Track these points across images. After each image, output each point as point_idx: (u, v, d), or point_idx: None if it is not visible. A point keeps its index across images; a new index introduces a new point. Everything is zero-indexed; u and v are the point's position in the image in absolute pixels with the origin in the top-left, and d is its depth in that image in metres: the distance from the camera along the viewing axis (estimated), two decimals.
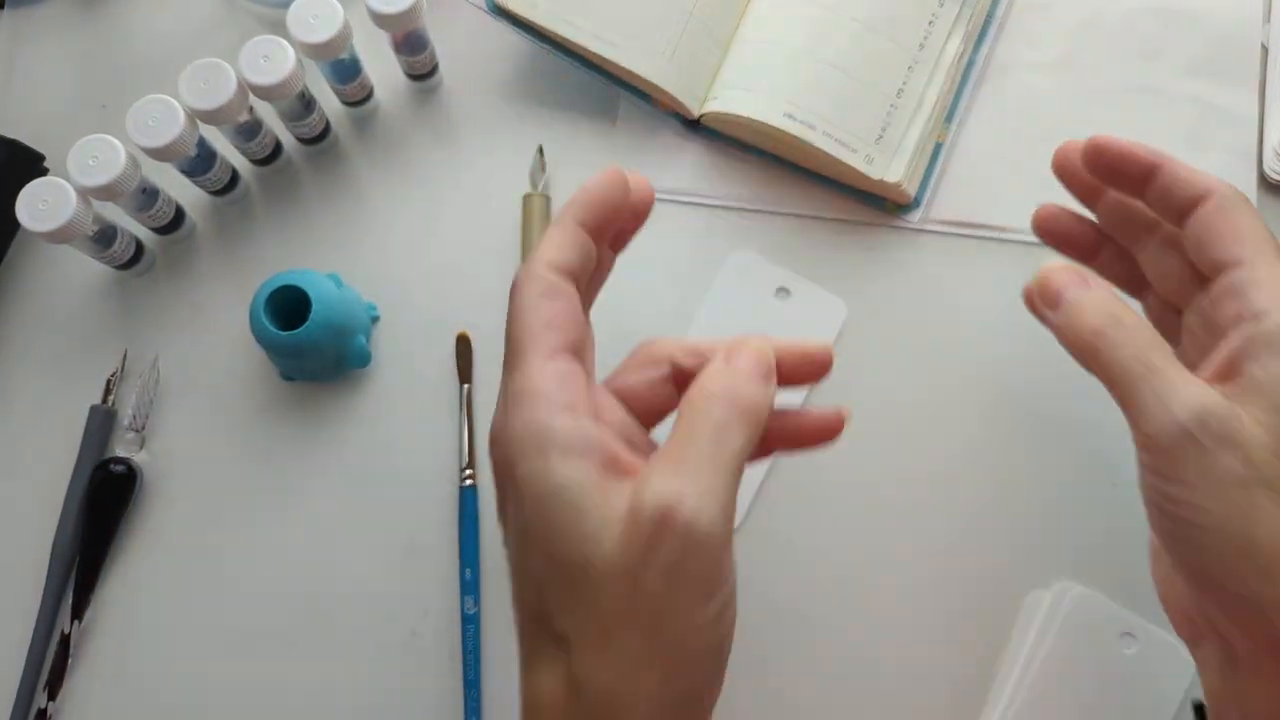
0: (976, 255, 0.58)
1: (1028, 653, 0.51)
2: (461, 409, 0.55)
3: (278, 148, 0.58)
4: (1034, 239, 0.55)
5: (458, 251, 0.58)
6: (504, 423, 0.35)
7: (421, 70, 0.59)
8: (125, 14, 0.63)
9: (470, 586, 0.53)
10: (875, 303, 0.57)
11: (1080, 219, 0.48)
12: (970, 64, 0.60)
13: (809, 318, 0.57)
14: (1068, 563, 0.53)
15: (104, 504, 0.54)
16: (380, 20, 0.53)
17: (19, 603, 0.53)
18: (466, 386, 0.56)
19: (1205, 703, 0.41)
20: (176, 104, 0.51)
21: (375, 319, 0.57)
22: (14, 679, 0.52)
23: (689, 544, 0.32)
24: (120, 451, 0.55)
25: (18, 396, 0.57)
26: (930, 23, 0.58)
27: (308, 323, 0.50)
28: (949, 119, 0.59)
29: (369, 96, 0.59)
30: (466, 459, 0.54)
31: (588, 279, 0.39)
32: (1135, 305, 0.47)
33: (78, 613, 0.53)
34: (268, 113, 0.57)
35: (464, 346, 0.56)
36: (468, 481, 0.54)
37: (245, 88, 0.52)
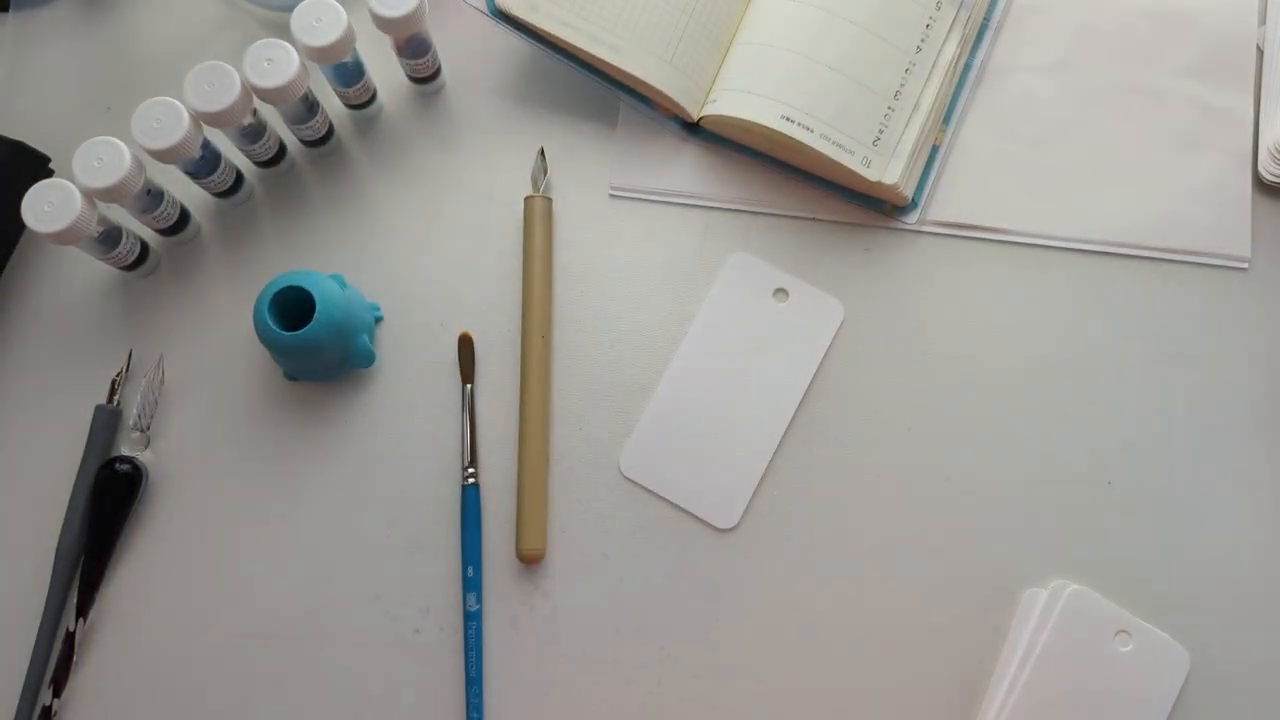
0: (974, 256, 0.58)
1: (1024, 649, 0.52)
2: (464, 408, 0.56)
3: (281, 150, 0.59)
4: (1031, 240, 0.56)
5: (460, 253, 0.59)
6: None
7: (424, 73, 0.59)
8: (130, 17, 0.63)
9: (472, 584, 0.53)
10: (873, 304, 0.58)
11: None
12: (968, 66, 0.60)
13: (807, 319, 0.57)
14: (1064, 560, 0.54)
15: (109, 503, 0.54)
16: (383, 24, 0.53)
17: (24, 601, 0.54)
18: (469, 386, 0.56)
19: None
20: (181, 106, 0.51)
21: (378, 319, 0.58)
22: (19, 676, 0.52)
23: None
24: (125, 451, 0.55)
25: (24, 396, 0.57)
26: (928, 25, 0.58)
27: (311, 323, 0.51)
28: (946, 121, 0.60)
29: (372, 99, 0.60)
30: (468, 458, 0.55)
31: None
32: None
33: (83, 611, 0.53)
34: (272, 115, 0.57)
35: (466, 346, 0.57)
36: (469, 480, 0.54)
37: (249, 90, 0.52)
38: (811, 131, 0.56)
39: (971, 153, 0.60)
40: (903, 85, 0.58)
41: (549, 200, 0.58)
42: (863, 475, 0.55)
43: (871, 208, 0.59)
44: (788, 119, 0.55)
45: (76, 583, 0.54)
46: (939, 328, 0.57)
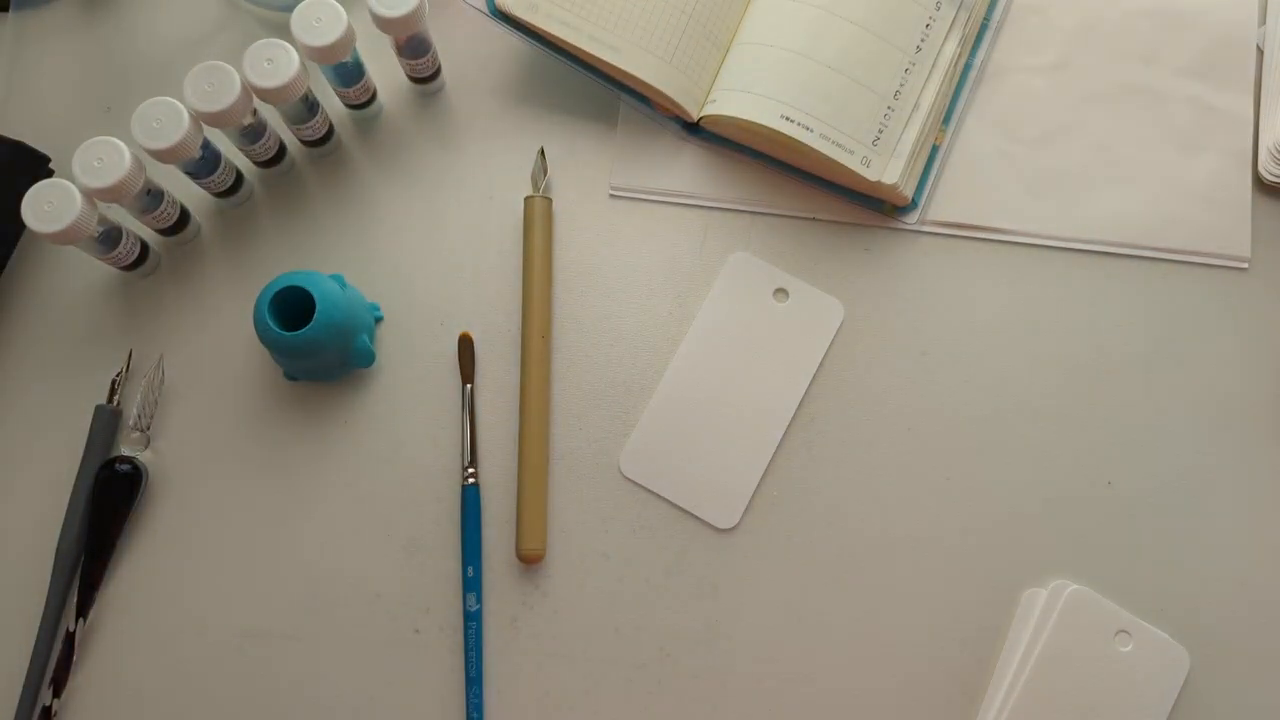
0: (973, 256, 0.58)
1: (1024, 649, 0.52)
2: (464, 408, 0.56)
3: (281, 150, 0.59)
4: (1031, 240, 0.56)
5: (460, 253, 0.59)
6: None
7: (424, 73, 0.59)
8: (130, 17, 0.63)
9: (472, 584, 0.53)
10: (872, 304, 0.58)
11: None
12: (968, 66, 0.60)
13: (807, 319, 0.57)
14: (1064, 560, 0.54)
15: (109, 503, 0.54)
16: (383, 24, 0.53)
17: (24, 600, 0.54)
18: (469, 386, 0.56)
19: None
20: (181, 106, 0.51)
21: (378, 319, 0.58)
22: (19, 676, 0.52)
23: None
24: (125, 450, 0.56)
25: (23, 396, 0.57)
26: (927, 25, 0.58)
27: (312, 323, 0.51)
28: (946, 121, 0.60)
29: (372, 99, 0.60)
30: (468, 457, 0.55)
31: None
32: None
33: (83, 611, 0.53)
34: (272, 115, 0.57)
35: (466, 346, 0.57)
36: (470, 480, 0.54)
37: (249, 90, 0.52)
38: (811, 131, 0.56)
39: (971, 153, 0.60)
40: (902, 85, 0.58)
41: (549, 200, 0.58)
42: (863, 475, 0.55)
43: (871, 207, 0.59)
44: (787, 119, 0.55)
45: (76, 583, 0.54)
46: (939, 328, 0.57)
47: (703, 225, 0.59)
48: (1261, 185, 0.59)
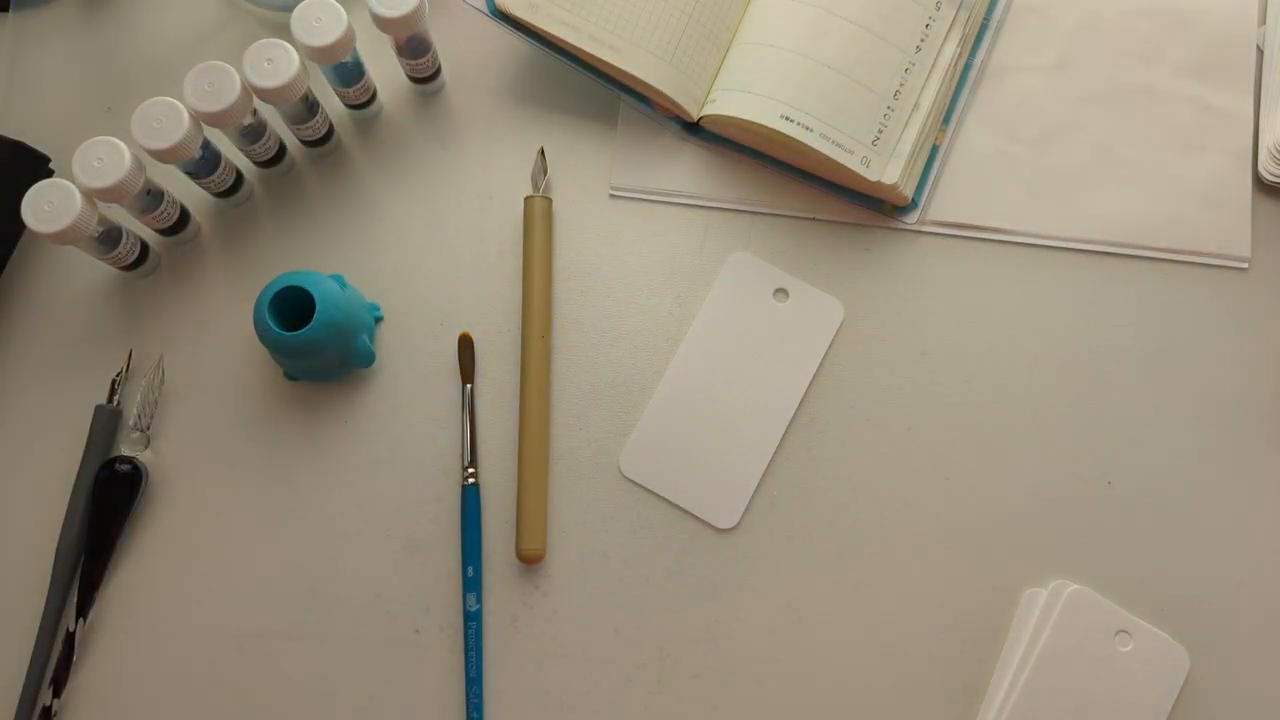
0: (973, 256, 0.58)
1: (1024, 649, 0.52)
2: (464, 408, 0.56)
3: (281, 150, 0.59)
4: (1031, 240, 0.56)
5: (460, 253, 0.59)
6: None
7: (424, 73, 0.59)
8: (130, 17, 0.63)
9: (472, 584, 0.53)
10: (872, 304, 0.58)
11: None
12: (968, 66, 0.60)
13: (807, 319, 0.57)
14: (1064, 560, 0.54)
15: (109, 503, 0.54)
16: (383, 24, 0.53)
17: (24, 600, 0.54)
18: (469, 386, 0.56)
19: None
20: (181, 106, 0.51)
21: (378, 319, 0.58)
22: (19, 676, 0.52)
23: None
24: (126, 450, 0.56)
25: (23, 396, 0.57)
26: (927, 25, 0.58)
27: (312, 323, 0.51)
28: (946, 121, 0.60)
29: (372, 99, 0.60)
30: (468, 458, 0.55)
31: None
32: None
33: (83, 611, 0.53)
34: (272, 115, 0.57)
35: (466, 346, 0.57)
36: (469, 480, 0.54)
37: (249, 90, 0.52)
38: (811, 131, 0.56)
39: (971, 153, 0.60)
40: (902, 85, 0.58)
41: (549, 200, 0.58)
42: (863, 475, 0.55)
43: (871, 207, 0.59)
44: (787, 119, 0.55)
45: (76, 583, 0.54)
46: (939, 328, 0.57)
47: (703, 225, 0.59)
48: (1261, 185, 0.59)
